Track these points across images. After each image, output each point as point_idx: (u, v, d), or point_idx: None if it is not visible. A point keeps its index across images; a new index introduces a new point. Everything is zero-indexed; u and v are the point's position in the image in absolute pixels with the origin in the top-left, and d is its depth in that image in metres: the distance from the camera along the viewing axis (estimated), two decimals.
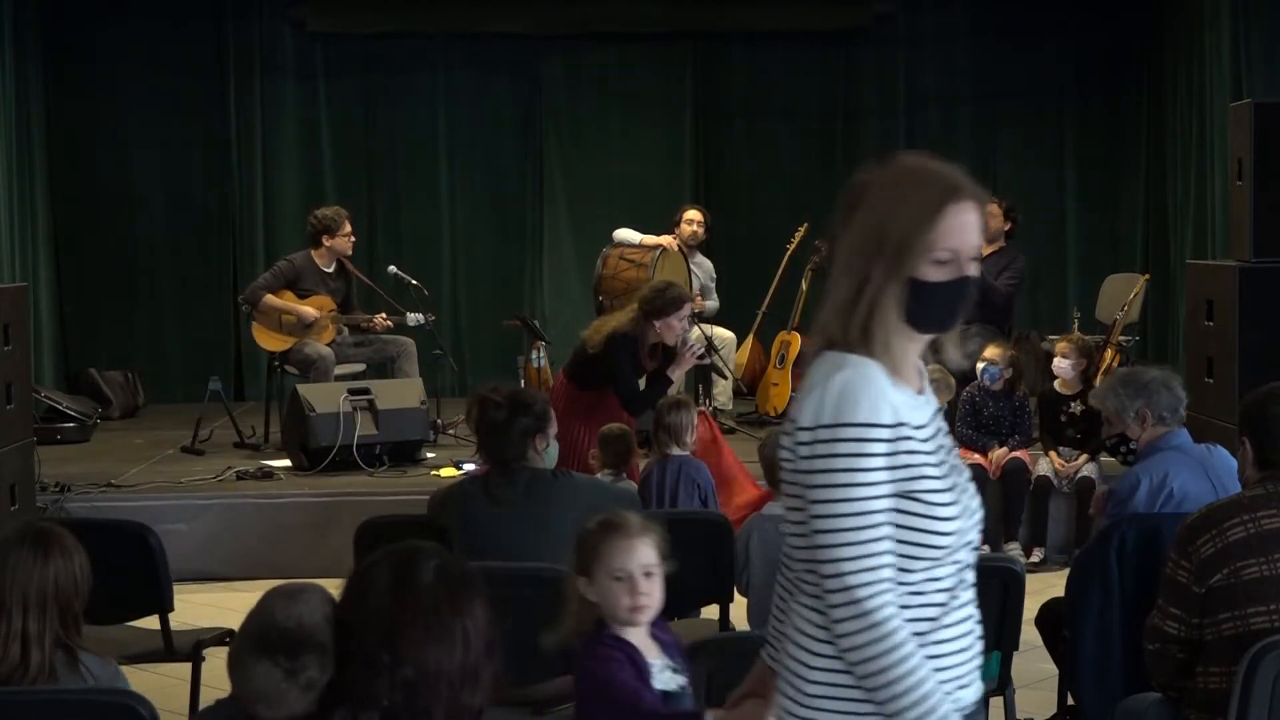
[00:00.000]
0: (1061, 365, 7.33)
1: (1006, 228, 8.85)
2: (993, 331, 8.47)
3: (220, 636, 4.68)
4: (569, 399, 6.38)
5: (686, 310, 6.49)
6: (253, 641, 2.32)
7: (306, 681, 2.21)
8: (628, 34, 11.07)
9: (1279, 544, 3.55)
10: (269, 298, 8.37)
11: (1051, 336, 8.82)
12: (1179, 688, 3.69)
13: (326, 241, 8.49)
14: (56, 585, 3.14)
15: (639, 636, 2.97)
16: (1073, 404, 7.28)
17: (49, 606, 3.12)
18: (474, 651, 2.18)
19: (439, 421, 8.57)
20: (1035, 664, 5.06)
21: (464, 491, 4.44)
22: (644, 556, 2.97)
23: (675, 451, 5.53)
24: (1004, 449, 7.25)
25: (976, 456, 7.24)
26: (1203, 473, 4.45)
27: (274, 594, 2.39)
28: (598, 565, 2.98)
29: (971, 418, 7.37)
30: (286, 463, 7.83)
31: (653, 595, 2.95)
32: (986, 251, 8.77)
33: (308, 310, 8.38)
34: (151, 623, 4.63)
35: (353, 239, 8.66)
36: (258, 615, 2.37)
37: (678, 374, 6.54)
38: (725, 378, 8.75)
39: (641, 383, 6.52)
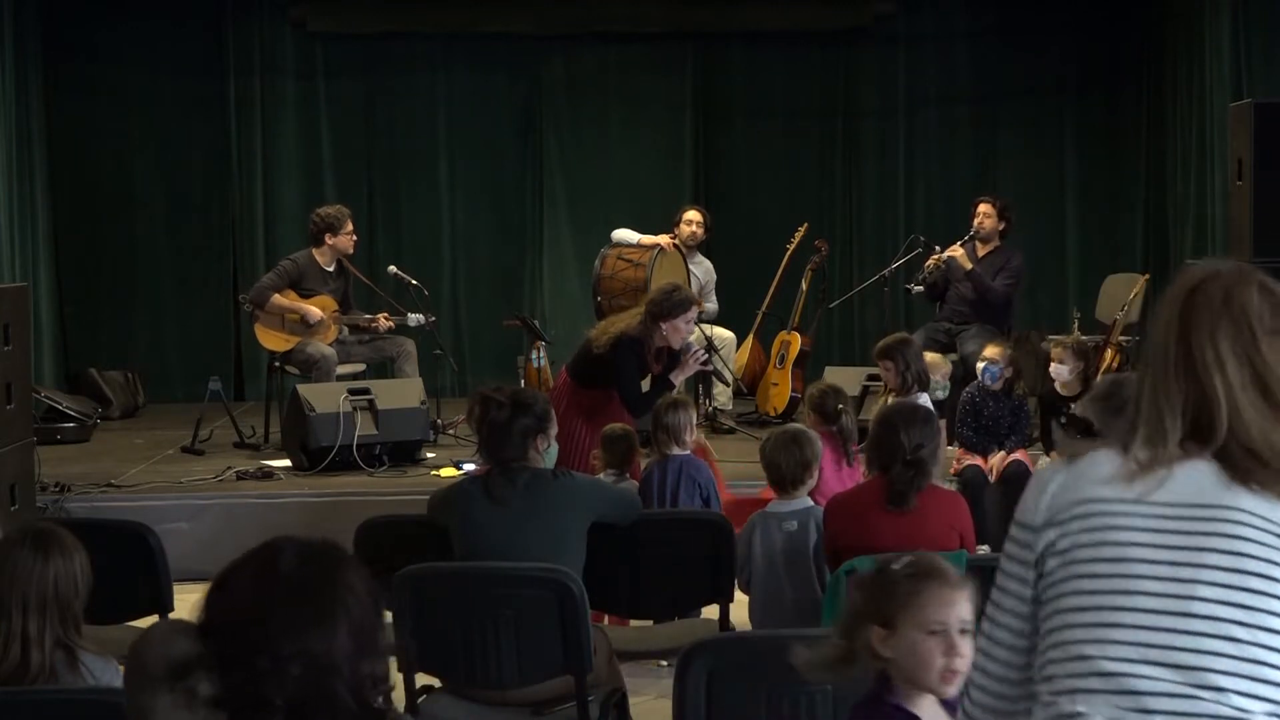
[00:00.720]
0: (1059, 370, 7.29)
1: (1001, 227, 8.86)
2: (992, 331, 8.48)
3: None
4: (571, 398, 6.39)
5: (693, 313, 6.49)
6: (141, 684, 2.28)
7: (205, 698, 2.18)
8: (628, 34, 11.06)
9: None
10: (275, 297, 8.37)
11: (1052, 336, 8.80)
12: None
13: (329, 240, 8.49)
14: (56, 585, 3.14)
15: (929, 707, 2.58)
16: (1073, 405, 7.26)
17: (49, 607, 3.12)
18: (360, 618, 2.11)
19: (439, 421, 8.56)
20: None
21: (464, 491, 4.44)
22: (964, 610, 2.56)
23: (675, 451, 5.53)
24: (1002, 453, 7.24)
25: (975, 458, 7.24)
26: None
27: (138, 640, 2.36)
28: (906, 616, 2.54)
29: (971, 419, 7.36)
30: (286, 463, 7.83)
31: (967, 658, 2.50)
32: (982, 252, 8.80)
33: (313, 310, 8.38)
34: (151, 623, 4.62)
35: (354, 238, 8.67)
36: (130, 667, 2.32)
37: (679, 379, 6.53)
38: (726, 384, 8.74)
39: (646, 384, 6.52)
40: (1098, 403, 4.61)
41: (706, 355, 6.62)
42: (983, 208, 8.85)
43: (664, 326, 6.36)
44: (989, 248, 8.82)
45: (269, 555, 2.16)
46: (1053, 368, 7.29)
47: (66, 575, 3.16)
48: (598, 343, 6.42)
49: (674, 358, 6.55)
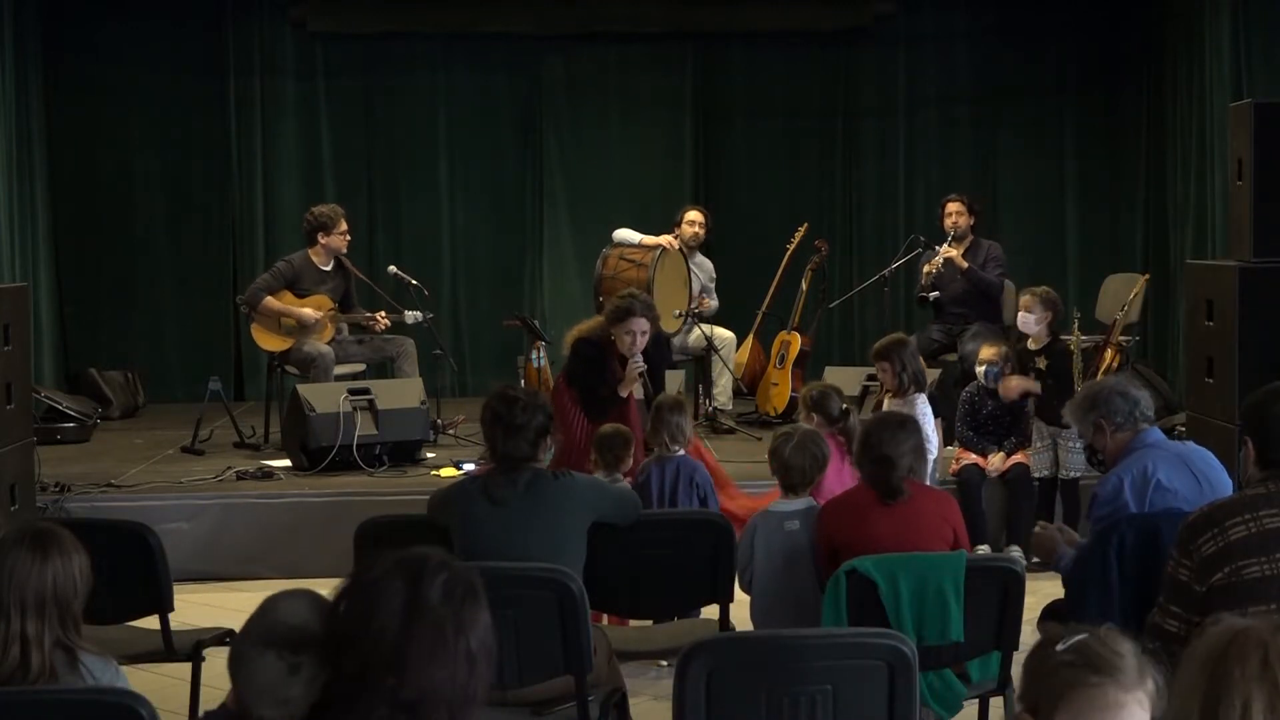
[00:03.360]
0: (1025, 320, 7.24)
1: (972, 222, 8.88)
2: (993, 330, 8.48)
3: (220, 636, 4.68)
4: (559, 399, 6.42)
5: (634, 325, 6.28)
6: (257, 636, 2.34)
7: (307, 679, 2.21)
8: (628, 34, 11.06)
9: None
10: (268, 300, 8.37)
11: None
12: None
13: (322, 239, 8.49)
14: (56, 586, 3.13)
15: None
16: (1038, 359, 7.25)
17: (48, 607, 3.12)
18: (475, 670, 2.17)
19: (439, 421, 8.56)
20: None
21: (464, 491, 4.44)
22: (1136, 717, 2.03)
23: (674, 451, 5.53)
24: (1002, 454, 7.23)
25: (974, 457, 7.23)
26: (1183, 465, 4.43)
27: (279, 594, 2.42)
28: (1059, 715, 2.03)
29: (970, 418, 7.36)
30: (286, 463, 7.83)
31: None
32: (960, 250, 8.80)
33: (307, 313, 8.38)
34: (151, 623, 4.62)
35: (348, 236, 8.64)
36: (262, 612, 2.38)
37: (625, 391, 6.37)
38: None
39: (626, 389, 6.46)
40: (1072, 405, 4.65)
41: (643, 367, 6.43)
42: (952, 207, 8.87)
43: (613, 333, 6.34)
44: (964, 245, 8.84)
45: (418, 574, 2.19)
46: (1020, 316, 7.25)
47: (66, 575, 3.15)
48: (565, 344, 6.48)
49: (653, 360, 6.52)
